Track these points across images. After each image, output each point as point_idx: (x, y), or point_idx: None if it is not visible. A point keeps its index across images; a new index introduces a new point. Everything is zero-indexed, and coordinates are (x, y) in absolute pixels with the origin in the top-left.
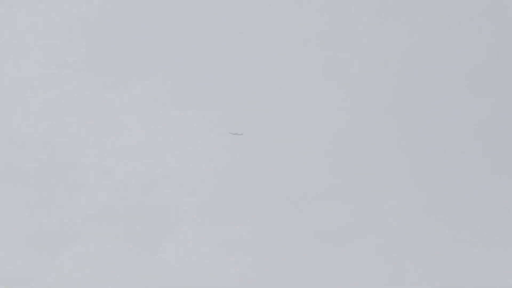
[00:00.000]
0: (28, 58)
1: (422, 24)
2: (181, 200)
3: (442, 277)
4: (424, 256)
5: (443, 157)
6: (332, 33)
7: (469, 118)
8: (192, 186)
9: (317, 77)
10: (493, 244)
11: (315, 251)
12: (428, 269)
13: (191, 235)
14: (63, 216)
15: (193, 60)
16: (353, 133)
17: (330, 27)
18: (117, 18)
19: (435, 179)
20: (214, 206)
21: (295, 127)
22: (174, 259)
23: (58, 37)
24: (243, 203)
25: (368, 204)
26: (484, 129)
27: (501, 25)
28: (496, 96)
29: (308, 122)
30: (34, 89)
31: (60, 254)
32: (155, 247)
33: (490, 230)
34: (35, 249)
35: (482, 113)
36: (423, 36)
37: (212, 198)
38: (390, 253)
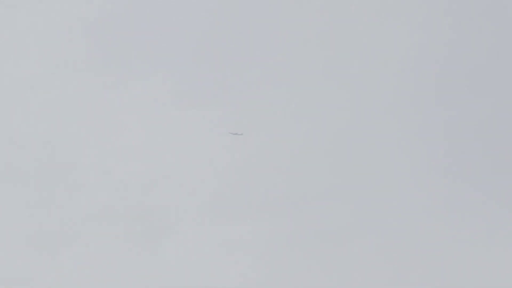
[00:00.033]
0: (28, 58)
1: (422, 24)
2: (181, 200)
3: (443, 277)
4: (425, 256)
5: (443, 157)
6: (332, 33)
7: (469, 118)
8: (192, 186)
9: (317, 77)
10: (493, 244)
11: (315, 251)
12: (429, 269)
13: (191, 235)
14: (63, 216)
15: (193, 60)
16: (353, 133)
17: (330, 27)
18: (117, 18)
19: (435, 179)
20: (214, 206)
21: (295, 127)
22: (174, 259)
23: (58, 37)
24: (243, 203)
25: (368, 204)
26: (484, 129)
27: (501, 25)
28: (496, 96)
29: (308, 122)
30: (34, 89)
31: (60, 254)
32: (155, 247)
33: (490, 230)
34: (35, 249)
35: (482, 113)
36: (423, 36)
37: (212, 198)
38: (390, 253)
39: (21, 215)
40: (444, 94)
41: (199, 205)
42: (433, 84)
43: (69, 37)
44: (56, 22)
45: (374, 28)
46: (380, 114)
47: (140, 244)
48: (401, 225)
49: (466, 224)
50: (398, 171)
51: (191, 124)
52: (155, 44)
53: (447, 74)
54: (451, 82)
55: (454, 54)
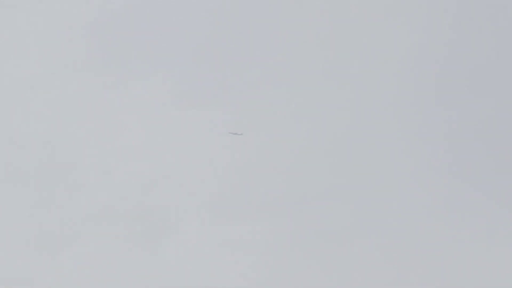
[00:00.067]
0: (28, 58)
1: (422, 24)
2: (181, 200)
3: (444, 277)
4: (426, 256)
5: (444, 157)
6: (332, 33)
7: (469, 118)
8: (192, 186)
9: (317, 77)
10: (494, 244)
11: (315, 251)
12: (430, 269)
13: (191, 235)
14: (63, 216)
15: (193, 60)
16: (354, 133)
17: (330, 27)
18: (117, 18)
19: (436, 179)
20: (214, 206)
21: (295, 127)
22: (175, 259)
23: (58, 37)
24: (243, 203)
25: (369, 204)
26: (485, 129)
27: (501, 25)
28: (497, 96)
29: (308, 122)
30: (34, 89)
31: (60, 254)
32: (155, 247)
33: (491, 230)
34: (35, 249)
35: (482, 113)
36: (423, 36)
37: (212, 198)
38: (391, 253)
39: (21, 215)
40: (444, 94)
41: (199, 205)
42: (433, 84)
43: (69, 37)
44: (56, 22)
45: (374, 28)
46: (380, 114)
47: (140, 244)
48: (402, 225)
49: (467, 224)
50: (398, 171)
51: (191, 124)
52: (155, 44)
53: (447, 74)
54: (451, 82)
55: (454, 54)
